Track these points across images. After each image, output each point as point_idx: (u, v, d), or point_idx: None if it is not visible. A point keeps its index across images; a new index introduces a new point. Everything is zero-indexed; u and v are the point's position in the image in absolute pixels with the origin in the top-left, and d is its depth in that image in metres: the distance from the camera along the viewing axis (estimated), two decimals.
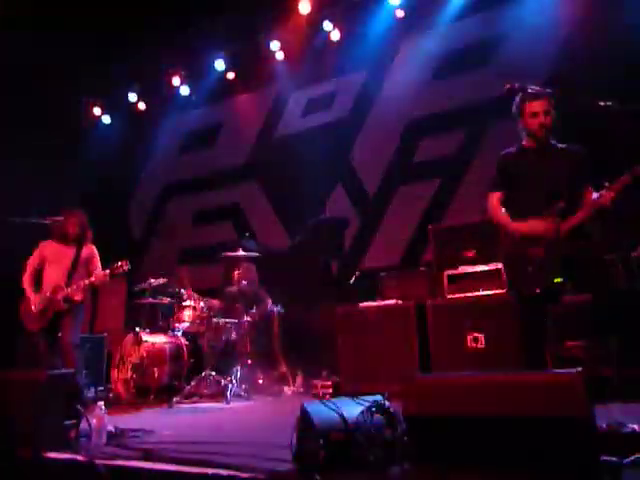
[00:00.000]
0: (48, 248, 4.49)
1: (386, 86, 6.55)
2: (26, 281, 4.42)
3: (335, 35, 6.59)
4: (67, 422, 2.60)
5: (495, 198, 3.12)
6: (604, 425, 2.04)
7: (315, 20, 6.60)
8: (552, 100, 2.95)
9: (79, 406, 2.63)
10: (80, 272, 4.43)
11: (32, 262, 4.48)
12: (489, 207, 3.13)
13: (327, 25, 6.55)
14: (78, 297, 4.32)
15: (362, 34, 6.49)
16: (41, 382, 2.57)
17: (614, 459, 1.64)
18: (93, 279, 4.29)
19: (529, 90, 2.94)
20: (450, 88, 6.05)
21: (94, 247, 4.60)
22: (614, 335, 3.18)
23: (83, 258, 4.47)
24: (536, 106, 2.94)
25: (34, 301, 4.28)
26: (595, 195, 2.86)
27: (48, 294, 4.26)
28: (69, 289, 4.24)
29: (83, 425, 2.66)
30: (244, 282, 5.25)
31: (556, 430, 1.55)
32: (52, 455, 2.44)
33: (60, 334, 4.21)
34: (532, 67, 5.44)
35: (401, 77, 6.43)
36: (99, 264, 4.54)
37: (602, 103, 2.72)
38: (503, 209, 3.09)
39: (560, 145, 3.05)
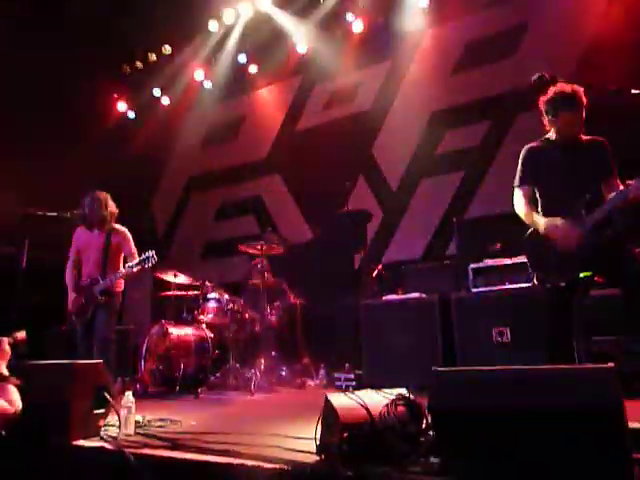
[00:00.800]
0: (79, 236, 4.46)
1: (409, 78, 6.48)
2: (68, 276, 4.39)
3: (358, 27, 6.53)
4: (96, 411, 2.66)
5: (522, 193, 3.04)
6: (635, 422, 1.99)
7: (338, 12, 6.56)
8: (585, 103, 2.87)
9: (108, 396, 2.68)
10: (114, 259, 4.33)
11: (71, 253, 4.45)
12: (517, 203, 3.06)
13: (350, 16, 6.51)
14: (115, 288, 4.27)
15: (385, 25, 6.43)
16: (72, 371, 2.63)
17: None
18: (122, 272, 4.20)
19: (563, 93, 2.85)
20: (475, 79, 5.96)
21: (125, 230, 4.46)
22: None
23: (115, 245, 4.35)
24: (573, 117, 2.87)
25: (71, 299, 4.28)
26: (622, 187, 2.78)
27: (85, 286, 4.25)
28: (104, 282, 4.18)
29: (112, 414, 2.72)
30: (267, 275, 5.29)
31: (586, 426, 1.52)
32: (81, 443, 2.50)
33: (94, 327, 4.18)
34: (560, 56, 5.31)
35: (425, 68, 6.36)
36: (133, 248, 4.38)
37: (635, 91, 2.64)
38: (530, 205, 3.02)
39: (585, 137, 2.98)
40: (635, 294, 2.73)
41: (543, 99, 2.97)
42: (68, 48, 6.44)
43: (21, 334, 3.16)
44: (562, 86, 2.88)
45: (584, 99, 2.86)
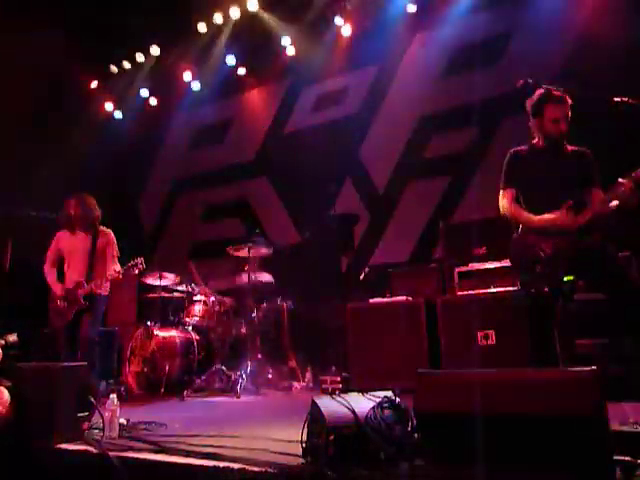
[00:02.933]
0: (62, 239, 4.40)
1: (397, 82, 6.52)
2: (48, 274, 4.33)
3: (346, 30, 6.56)
4: (80, 414, 2.63)
5: (509, 195, 3.07)
6: (617, 424, 2.03)
7: (326, 15, 6.58)
8: (570, 103, 2.92)
9: (92, 399, 2.66)
10: (100, 262, 4.29)
11: (50, 254, 4.39)
12: (504, 204, 3.08)
13: (338, 20, 6.54)
14: (101, 291, 4.23)
15: (373, 29, 6.46)
16: (55, 375, 2.60)
17: (627, 459, 1.62)
18: (108, 276, 4.15)
19: (549, 90, 2.91)
20: (462, 84, 6.01)
21: (110, 232, 4.42)
22: (628, 334, 3.15)
23: (100, 247, 4.32)
24: (558, 112, 2.91)
25: (59, 291, 4.20)
26: (602, 197, 2.82)
27: (70, 289, 4.20)
28: (89, 286, 4.14)
29: (96, 417, 2.69)
30: (254, 277, 5.27)
31: (569, 429, 1.54)
32: (65, 447, 2.47)
33: (80, 329, 4.14)
34: (545, 62, 5.38)
35: (412, 72, 6.40)
36: (116, 251, 4.36)
37: (617, 99, 2.69)
38: (517, 205, 3.06)
39: (570, 147, 3.04)
40: (618, 297, 2.78)
41: (529, 101, 3.02)
42: (54, 48, 6.38)
43: (12, 336, 3.13)
44: (548, 87, 2.94)
45: (569, 100, 2.91)
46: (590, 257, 2.80)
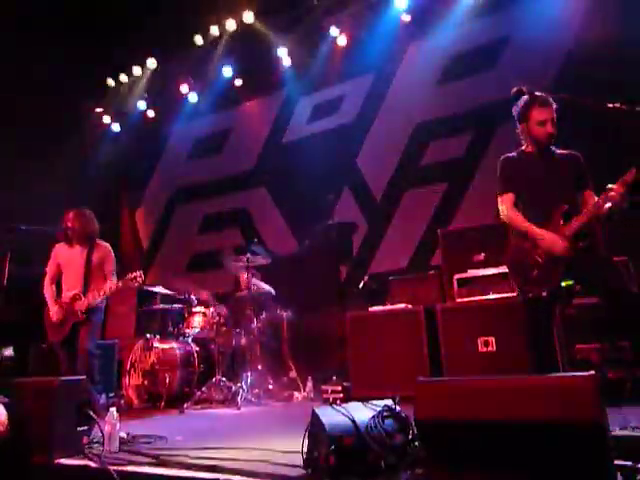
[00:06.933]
0: (60, 252, 4.40)
1: (393, 90, 6.56)
2: (46, 290, 4.34)
3: (342, 40, 6.62)
4: (80, 428, 2.62)
5: (508, 199, 3.04)
6: (617, 429, 2.02)
7: (322, 25, 6.64)
8: (557, 107, 2.94)
9: (91, 412, 2.65)
10: (96, 275, 4.28)
11: (49, 268, 4.40)
12: (502, 209, 3.06)
13: (334, 30, 6.59)
14: (98, 303, 4.22)
15: (369, 39, 6.51)
16: (54, 389, 2.59)
17: (628, 463, 1.62)
18: (105, 291, 4.14)
19: (533, 94, 2.94)
20: (457, 91, 6.06)
21: (107, 246, 4.42)
22: (627, 338, 3.15)
23: (96, 261, 4.31)
24: (544, 114, 2.91)
25: (53, 311, 4.22)
26: (595, 199, 2.82)
27: (67, 302, 4.20)
28: (86, 299, 4.14)
29: (95, 431, 2.68)
30: (253, 287, 5.27)
31: (569, 434, 1.54)
32: (65, 461, 2.45)
33: (77, 342, 4.13)
34: (539, 69, 5.43)
35: (408, 81, 6.44)
36: (114, 265, 4.35)
37: (611, 105, 2.71)
38: (516, 210, 3.04)
39: (559, 151, 3.04)
40: (613, 302, 2.78)
41: (515, 107, 3.04)
42: (52, 63, 6.42)
43: (8, 350, 3.11)
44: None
45: (554, 103, 2.93)
46: (585, 261, 2.80)
